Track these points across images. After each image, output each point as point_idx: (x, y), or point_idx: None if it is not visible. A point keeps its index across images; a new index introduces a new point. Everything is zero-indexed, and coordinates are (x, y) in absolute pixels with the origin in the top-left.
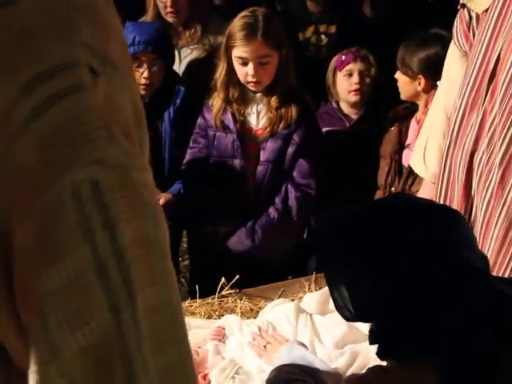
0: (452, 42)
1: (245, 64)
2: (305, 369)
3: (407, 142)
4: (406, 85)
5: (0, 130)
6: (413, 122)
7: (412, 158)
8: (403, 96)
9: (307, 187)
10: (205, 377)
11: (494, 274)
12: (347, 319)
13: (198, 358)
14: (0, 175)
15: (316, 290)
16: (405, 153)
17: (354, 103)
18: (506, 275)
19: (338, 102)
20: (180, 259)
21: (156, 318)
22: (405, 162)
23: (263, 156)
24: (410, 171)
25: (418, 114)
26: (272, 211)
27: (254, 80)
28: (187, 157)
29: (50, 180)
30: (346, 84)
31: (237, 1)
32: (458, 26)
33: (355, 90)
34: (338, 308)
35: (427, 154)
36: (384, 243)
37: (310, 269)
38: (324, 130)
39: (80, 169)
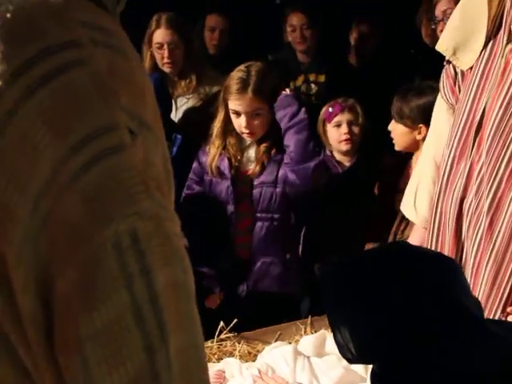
0: (439, 94)
1: (238, 116)
2: None
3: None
4: (403, 135)
5: (49, 185)
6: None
7: (403, 203)
8: (399, 146)
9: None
10: None
11: (485, 315)
12: (349, 361)
13: None
14: (46, 229)
15: (312, 333)
16: (398, 197)
17: (346, 152)
18: (498, 314)
19: (331, 151)
20: None
21: (185, 359)
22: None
23: (257, 181)
24: (403, 216)
25: (413, 163)
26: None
27: (247, 131)
28: (182, 201)
29: (94, 231)
30: (336, 135)
31: (230, 51)
32: (445, 81)
33: (345, 140)
34: (340, 348)
35: (418, 200)
36: (376, 278)
37: (304, 311)
38: None
39: (121, 221)
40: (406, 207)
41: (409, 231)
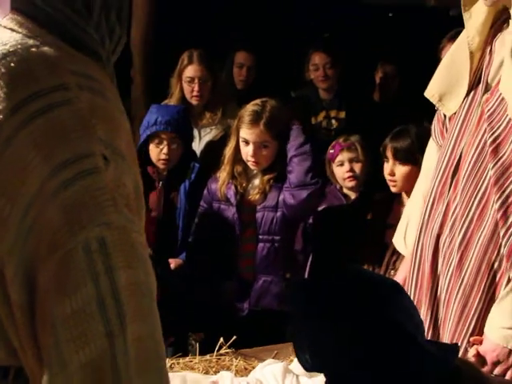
0: (431, 137)
1: (247, 144)
2: None
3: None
4: (411, 176)
5: (36, 198)
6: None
7: (395, 237)
8: (400, 188)
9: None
10: None
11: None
12: (306, 369)
13: None
14: (33, 232)
15: None
16: (388, 232)
17: (351, 188)
18: (463, 346)
19: (340, 186)
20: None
21: (142, 347)
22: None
23: (259, 207)
24: (394, 250)
25: (403, 198)
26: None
27: (253, 160)
28: (193, 227)
29: (69, 236)
30: (340, 173)
31: (256, 87)
32: (436, 125)
33: (348, 178)
34: (299, 358)
35: (407, 234)
36: (329, 300)
37: None
38: (325, 206)
39: (91, 229)
40: (397, 240)
41: (399, 263)
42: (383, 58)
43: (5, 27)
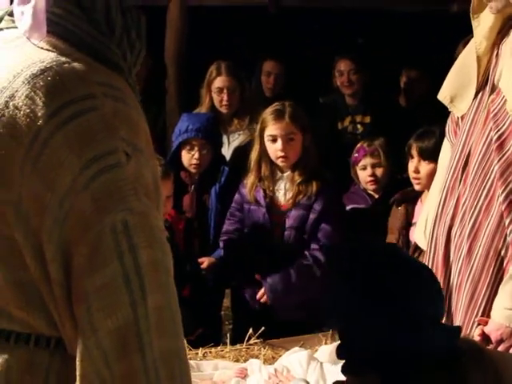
0: (445, 136)
1: (274, 141)
2: None
3: (414, 221)
4: (433, 174)
5: (69, 190)
6: (418, 203)
7: (415, 232)
8: (424, 186)
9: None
10: None
11: (464, 328)
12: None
13: None
14: (68, 218)
15: None
16: (411, 230)
17: (373, 190)
18: (474, 329)
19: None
20: (222, 313)
21: (160, 314)
22: (412, 239)
23: (288, 223)
24: (417, 246)
25: (424, 196)
26: (305, 262)
27: (283, 154)
28: (224, 227)
29: (98, 220)
30: (362, 176)
31: (284, 94)
32: (450, 125)
33: (370, 181)
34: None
35: (427, 228)
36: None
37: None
38: (349, 207)
39: (116, 213)
40: (417, 235)
41: (422, 259)
42: (407, 63)
43: (42, 48)
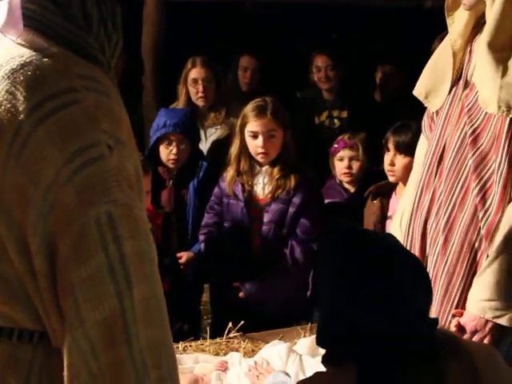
0: (422, 131)
1: (255, 137)
2: None
3: (389, 214)
4: (409, 167)
5: (53, 183)
6: (393, 196)
7: (391, 226)
8: (399, 178)
9: (310, 242)
10: None
11: (440, 317)
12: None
13: (203, 382)
14: (52, 211)
15: None
16: (388, 223)
17: (347, 182)
18: (448, 323)
19: (340, 179)
20: (201, 307)
21: (146, 305)
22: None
23: (266, 218)
24: None
25: (399, 190)
26: (281, 264)
27: (263, 151)
28: (204, 220)
29: (82, 212)
30: (338, 167)
31: (260, 89)
32: (425, 120)
33: (345, 173)
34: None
35: (403, 222)
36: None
37: (316, 319)
38: (326, 201)
39: (100, 205)
40: (394, 229)
41: None
42: (382, 58)
43: (20, 43)
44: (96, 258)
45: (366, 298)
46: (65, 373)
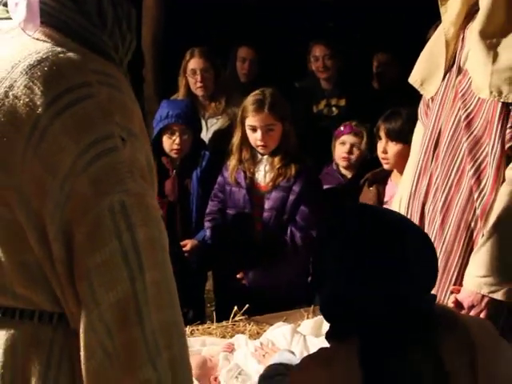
0: (418, 118)
1: (254, 131)
2: (288, 366)
3: (385, 199)
4: (402, 154)
5: (69, 173)
6: (389, 183)
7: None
8: (392, 165)
9: (309, 229)
10: (215, 379)
11: (439, 295)
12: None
13: (211, 363)
14: (69, 201)
15: None
16: None
17: (346, 166)
18: (446, 299)
19: (337, 164)
20: (205, 296)
21: (157, 288)
22: None
23: (268, 205)
24: None
25: (393, 177)
26: (282, 249)
27: (262, 144)
28: (208, 208)
29: (97, 202)
30: (339, 150)
31: (259, 79)
32: (421, 107)
33: (343, 158)
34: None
35: (402, 206)
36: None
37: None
38: (325, 187)
39: (114, 195)
40: None
41: None
42: (378, 47)
43: (37, 39)
44: (110, 244)
45: (365, 277)
46: (81, 353)
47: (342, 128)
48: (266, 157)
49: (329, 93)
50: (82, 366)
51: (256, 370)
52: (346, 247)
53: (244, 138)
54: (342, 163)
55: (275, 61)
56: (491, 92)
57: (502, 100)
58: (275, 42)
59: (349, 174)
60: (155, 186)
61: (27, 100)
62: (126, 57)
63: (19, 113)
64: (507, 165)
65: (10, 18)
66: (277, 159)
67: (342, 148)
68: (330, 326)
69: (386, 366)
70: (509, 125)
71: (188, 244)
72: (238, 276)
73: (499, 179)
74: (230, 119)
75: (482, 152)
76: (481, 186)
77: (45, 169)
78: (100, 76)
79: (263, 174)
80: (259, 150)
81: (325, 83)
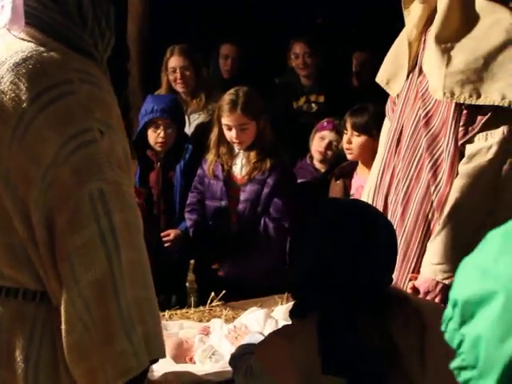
0: (386, 115)
1: (229, 129)
2: None
3: (352, 192)
4: (365, 146)
5: (52, 163)
6: (354, 176)
7: None
8: (355, 156)
9: (281, 220)
10: (191, 359)
11: (398, 281)
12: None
13: (187, 345)
14: (51, 188)
15: None
16: None
17: (319, 161)
18: (405, 286)
19: (311, 158)
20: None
21: (133, 267)
22: None
23: (243, 197)
24: None
25: (359, 170)
26: (256, 239)
27: (237, 141)
28: (189, 199)
29: (77, 189)
30: (316, 144)
31: (241, 76)
32: (389, 104)
33: (320, 152)
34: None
35: (369, 198)
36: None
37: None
38: (299, 181)
39: (93, 183)
40: None
41: None
42: (357, 46)
43: (22, 39)
44: (89, 228)
45: (336, 251)
46: (62, 327)
47: (324, 123)
48: (242, 151)
49: (308, 89)
50: (63, 340)
51: (229, 350)
52: (322, 227)
53: (221, 134)
54: (317, 156)
55: (256, 57)
56: (444, 93)
57: (454, 101)
58: (257, 39)
59: (322, 168)
60: (131, 175)
61: (13, 95)
62: (106, 53)
63: (6, 106)
64: (460, 160)
65: None
66: (252, 154)
67: (321, 143)
68: (293, 305)
69: (340, 338)
70: (461, 123)
71: (171, 233)
72: (213, 267)
73: (453, 173)
74: (210, 115)
75: (439, 148)
76: (437, 180)
77: (29, 159)
78: (81, 74)
79: (240, 167)
80: (235, 146)
81: (304, 79)
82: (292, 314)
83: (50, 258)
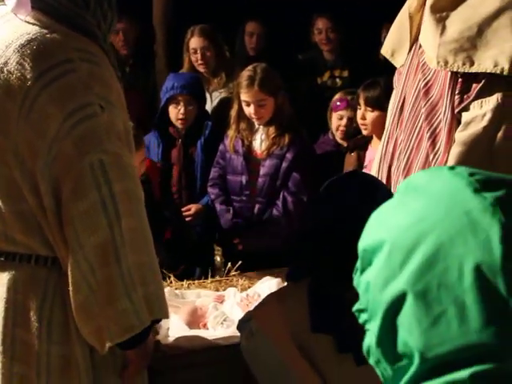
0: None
1: (248, 105)
2: None
3: (365, 164)
4: (379, 121)
5: (56, 137)
6: (369, 148)
7: (371, 173)
8: (370, 131)
9: (300, 194)
10: (204, 325)
11: None
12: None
13: (201, 312)
14: (56, 160)
15: None
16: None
17: (340, 138)
18: None
19: (333, 134)
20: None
21: (133, 234)
22: None
23: (262, 171)
24: None
25: (373, 143)
26: (275, 212)
27: (255, 117)
28: (211, 174)
29: (79, 160)
30: (336, 124)
31: (266, 52)
32: (396, 76)
33: (341, 130)
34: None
35: (374, 170)
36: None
37: None
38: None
39: (94, 154)
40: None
41: None
42: (387, 18)
43: (28, 22)
44: (90, 195)
45: (336, 214)
46: (70, 288)
47: (337, 103)
48: (261, 126)
49: (332, 64)
50: (71, 300)
51: (240, 317)
52: (324, 192)
53: (241, 110)
54: (338, 136)
55: (281, 34)
56: (438, 62)
57: (448, 69)
58: (282, 16)
59: (345, 143)
60: (132, 147)
61: (19, 74)
62: (109, 32)
63: (12, 85)
64: (457, 128)
65: (5, 5)
66: (272, 129)
67: (340, 121)
68: (289, 268)
69: (328, 298)
70: (457, 91)
71: (192, 208)
72: (234, 242)
73: (451, 141)
74: (230, 93)
75: (437, 118)
76: (435, 149)
77: (35, 133)
78: (81, 53)
79: (259, 143)
80: (254, 121)
81: (328, 54)
82: (288, 276)
83: (58, 224)
